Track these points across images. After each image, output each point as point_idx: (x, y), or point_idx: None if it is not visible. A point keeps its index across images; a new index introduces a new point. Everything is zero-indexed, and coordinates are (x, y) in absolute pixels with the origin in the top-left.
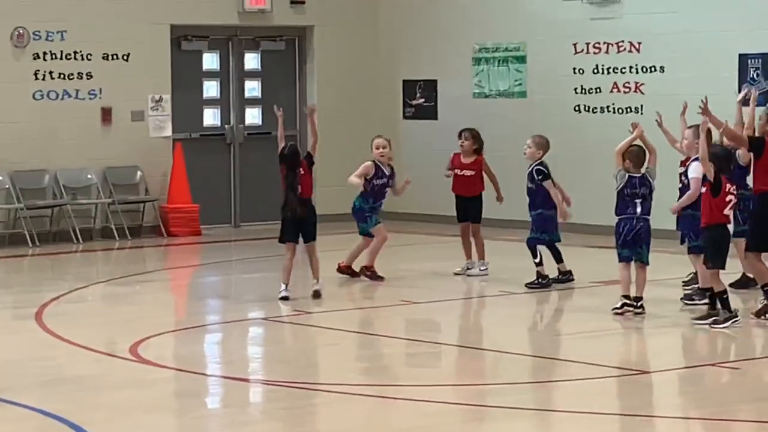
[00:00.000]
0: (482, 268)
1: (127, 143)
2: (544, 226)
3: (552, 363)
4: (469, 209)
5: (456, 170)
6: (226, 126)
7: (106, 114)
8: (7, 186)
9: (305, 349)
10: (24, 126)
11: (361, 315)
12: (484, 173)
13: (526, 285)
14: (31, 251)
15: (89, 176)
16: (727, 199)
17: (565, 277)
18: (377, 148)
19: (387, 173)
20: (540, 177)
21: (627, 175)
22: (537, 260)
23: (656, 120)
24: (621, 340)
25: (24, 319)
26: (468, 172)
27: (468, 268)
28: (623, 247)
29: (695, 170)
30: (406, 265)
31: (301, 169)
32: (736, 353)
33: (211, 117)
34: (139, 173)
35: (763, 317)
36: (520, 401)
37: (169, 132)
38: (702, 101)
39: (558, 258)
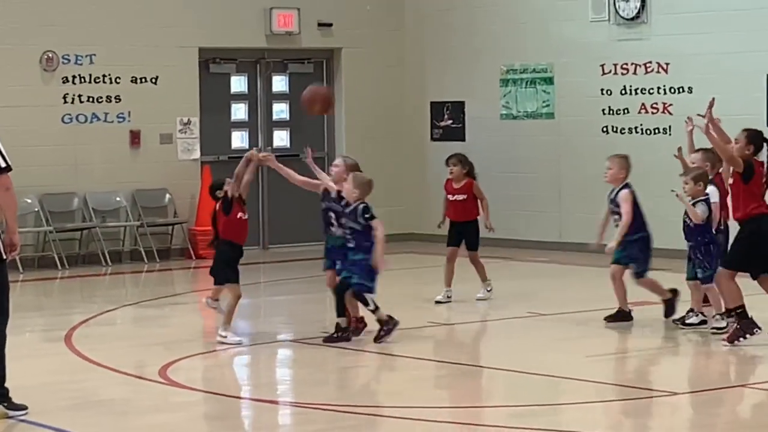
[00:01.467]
0: (488, 290)
1: (156, 166)
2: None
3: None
4: (464, 235)
5: (449, 196)
6: (254, 148)
7: (135, 137)
8: (36, 209)
9: (335, 371)
10: (53, 149)
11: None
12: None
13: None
14: (61, 274)
15: (118, 199)
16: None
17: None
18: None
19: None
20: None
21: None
22: None
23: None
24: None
25: (54, 341)
26: (460, 197)
27: (448, 296)
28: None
29: (714, 195)
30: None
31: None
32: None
33: (239, 139)
34: (167, 196)
35: (736, 342)
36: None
37: (197, 155)
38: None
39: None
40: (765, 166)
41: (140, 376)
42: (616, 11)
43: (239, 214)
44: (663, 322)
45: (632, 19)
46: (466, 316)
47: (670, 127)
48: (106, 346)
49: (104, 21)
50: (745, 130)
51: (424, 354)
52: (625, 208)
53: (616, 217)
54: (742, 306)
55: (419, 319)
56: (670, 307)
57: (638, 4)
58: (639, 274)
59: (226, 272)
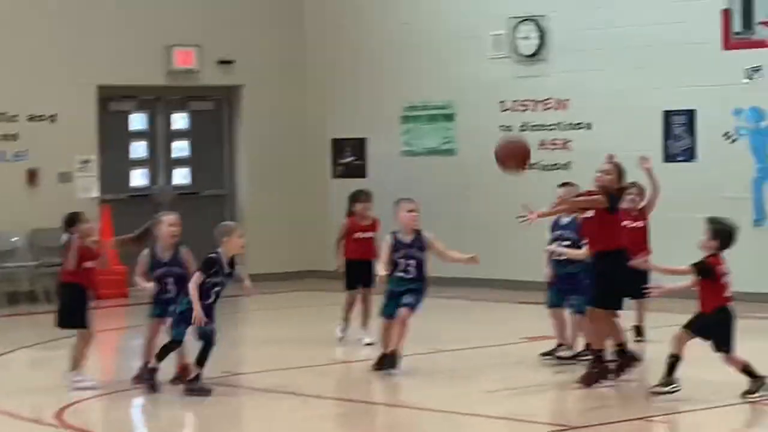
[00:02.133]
0: (368, 341)
1: (54, 205)
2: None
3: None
4: (363, 274)
5: (355, 234)
6: (153, 186)
7: (33, 176)
8: None
9: (231, 412)
10: None
11: (286, 375)
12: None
13: None
14: None
15: (14, 239)
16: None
17: None
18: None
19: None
20: None
21: None
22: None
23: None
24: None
25: None
26: (369, 234)
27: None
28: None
29: None
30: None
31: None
32: None
33: (138, 177)
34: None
35: (596, 384)
36: None
37: (96, 193)
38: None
39: None
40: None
41: (37, 420)
42: (516, 49)
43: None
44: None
45: (531, 56)
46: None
47: (569, 162)
48: (2, 391)
49: (1, 58)
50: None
51: (323, 392)
52: None
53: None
54: (602, 350)
55: (321, 356)
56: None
57: (537, 42)
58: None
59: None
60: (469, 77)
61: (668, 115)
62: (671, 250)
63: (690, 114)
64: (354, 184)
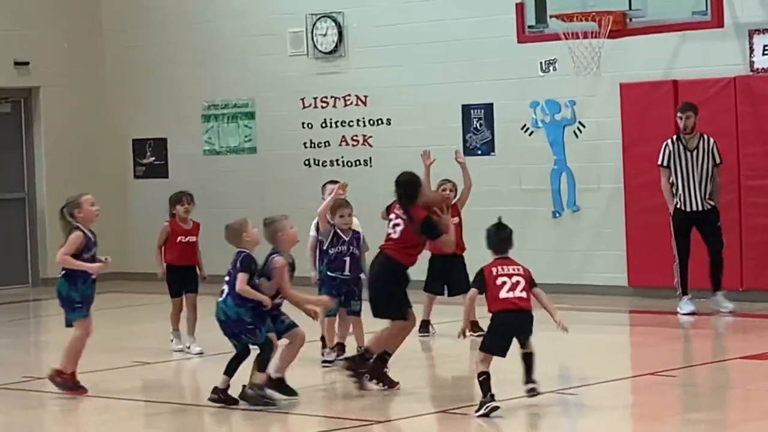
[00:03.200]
0: (198, 351)
1: None
2: None
3: None
4: (188, 277)
5: (177, 238)
6: None
7: None
8: None
9: (33, 417)
10: None
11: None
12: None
13: None
14: None
15: None
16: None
17: None
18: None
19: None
20: None
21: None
22: None
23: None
24: None
25: None
26: (192, 238)
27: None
28: None
29: None
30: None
31: None
32: None
33: None
34: None
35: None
36: None
37: None
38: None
39: None
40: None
41: None
42: (315, 45)
43: None
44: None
45: (330, 52)
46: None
47: (370, 158)
48: None
49: None
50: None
51: (129, 394)
52: None
53: None
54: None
55: (124, 359)
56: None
57: (335, 38)
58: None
59: None
60: (269, 75)
61: (467, 109)
62: (475, 242)
63: (488, 108)
64: (156, 185)
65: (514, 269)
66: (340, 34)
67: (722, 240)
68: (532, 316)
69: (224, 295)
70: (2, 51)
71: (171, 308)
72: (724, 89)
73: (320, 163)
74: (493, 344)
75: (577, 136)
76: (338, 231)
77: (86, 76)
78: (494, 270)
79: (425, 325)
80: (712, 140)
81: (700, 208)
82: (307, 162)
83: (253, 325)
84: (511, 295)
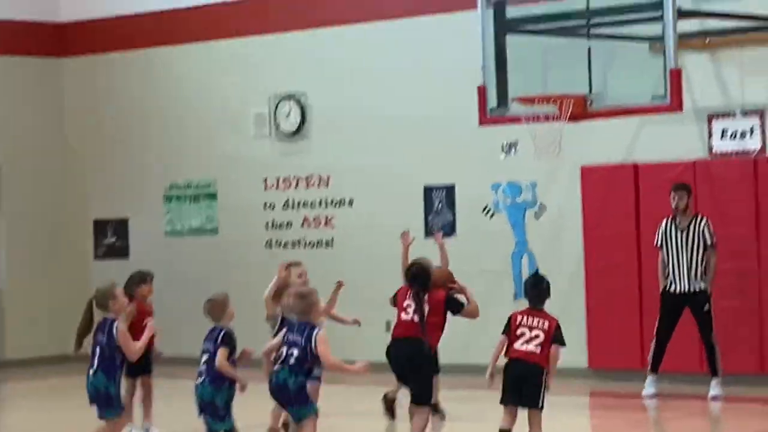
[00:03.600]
0: None
1: None
2: None
3: None
4: (146, 359)
5: (146, 319)
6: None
7: None
8: None
9: None
10: None
11: None
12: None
13: None
14: None
15: None
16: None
17: None
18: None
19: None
20: None
21: None
22: None
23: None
24: None
25: None
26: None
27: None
28: None
29: None
30: None
31: None
32: None
33: None
34: None
35: None
36: None
37: None
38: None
39: None
40: None
41: None
42: (278, 127)
43: None
44: None
45: (293, 133)
46: None
47: (332, 239)
48: None
49: None
50: None
51: None
52: None
53: None
54: None
55: None
56: None
57: (298, 119)
58: None
59: None
60: (232, 155)
61: (429, 190)
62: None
63: (450, 189)
64: (117, 266)
65: (538, 322)
66: (303, 115)
67: (711, 325)
68: (538, 371)
69: (203, 377)
70: None
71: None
72: (684, 173)
73: (282, 245)
74: (502, 393)
75: (538, 219)
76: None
77: (48, 154)
78: (519, 318)
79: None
80: (704, 221)
81: (688, 290)
82: (268, 243)
83: (225, 411)
84: (524, 347)
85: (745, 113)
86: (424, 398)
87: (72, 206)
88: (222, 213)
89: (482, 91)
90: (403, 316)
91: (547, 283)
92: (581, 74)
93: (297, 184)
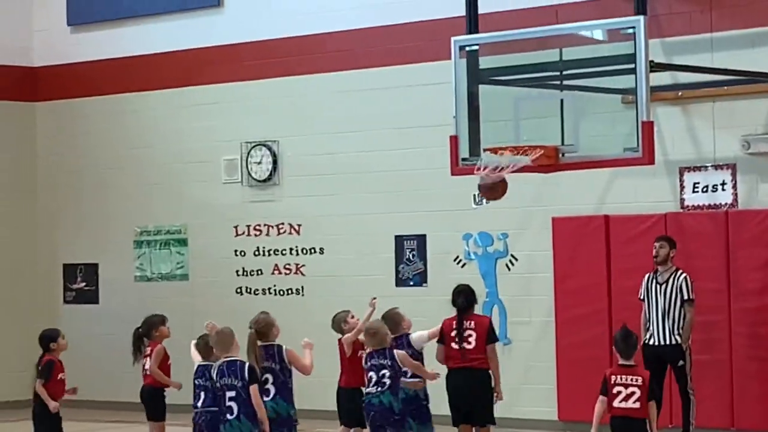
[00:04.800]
0: None
1: None
2: None
3: None
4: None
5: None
6: None
7: None
8: None
9: None
10: None
11: None
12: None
13: None
14: None
15: None
16: None
17: None
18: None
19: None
20: None
21: None
22: None
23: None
24: None
25: None
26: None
27: None
28: None
29: None
30: None
31: None
32: None
33: None
34: None
35: None
36: None
37: None
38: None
39: None
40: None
41: None
42: (249, 173)
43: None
44: None
45: (264, 180)
46: None
47: (303, 287)
48: None
49: None
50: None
51: None
52: None
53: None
54: None
55: None
56: None
57: (270, 167)
58: None
59: None
60: (203, 201)
61: (400, 239)
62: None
63: (421, 239)
64: (86, 310)
65: (632, 379)
66: (275, 162)
67: (686, 379)
68: (641, 425)
69: (234, 414)
70: None
71: None
72: (655, 225)
73: (252, 291)
74: None
75: (509, 269)
76: None
77: (16, 198)
78: (613, 378)
79: None
80: (683, 276)
81: (663, 343)
82: (239, 290)
83: None
84: (623, 405)
85: (717, 166)
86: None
87: (41, 250)
88: (192, 259)
89: (454, 141)
90: (454, 346)
91: (636, 338)
92: (553, 125)
93: (268, 232)
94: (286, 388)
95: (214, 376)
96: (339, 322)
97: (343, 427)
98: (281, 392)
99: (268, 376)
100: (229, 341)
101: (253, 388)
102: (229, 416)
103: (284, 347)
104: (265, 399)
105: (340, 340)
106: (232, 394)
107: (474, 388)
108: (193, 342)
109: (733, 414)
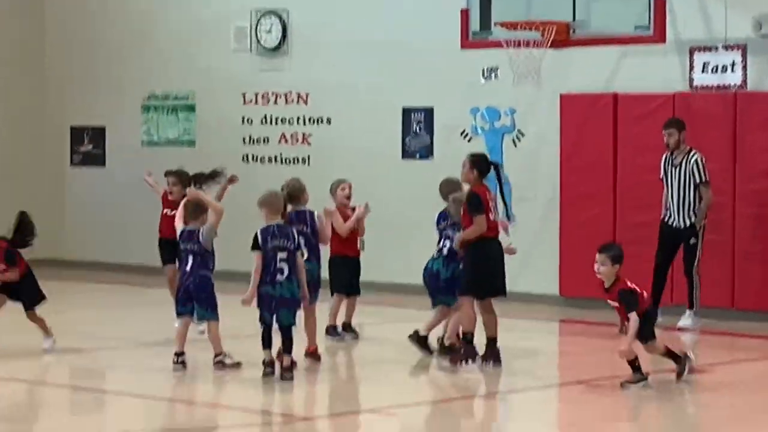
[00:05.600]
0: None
1: None
2: None
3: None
4: (175, 252)
5: (165, 210)
6: None
7: None
8: None
9: None
10: None
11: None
12: None
13: None
14: None
15: None
16: None
17: None
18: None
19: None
20: None
21: None
22: None
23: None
24: None
25: None
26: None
27: None
28: None
29: None
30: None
31: None
32: None
33: None
34: None
35: (459, 364)
36: None
37: None
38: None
39: None
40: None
41: None
42: (258, 41)
43: None
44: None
45: (274, 49)
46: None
47: (309, 157)
48: None
49: None
50: (471, 154)
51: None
52: None
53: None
54: (472, 333)
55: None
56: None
57: (279, 35)
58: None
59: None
60: (212, 69)
61: (407, 112)
62: (409, 247)
63: (428, 112)
64: (92, 173)
65: None
66: (285, 31)
67: (693, 259)
68: None
69: (286, 274)
70: None
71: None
72: (663, 105)
73: (258, 159)
74: None
75: (516, 145)
76: None
77: (26, 61)
78: None
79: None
80: (695, 158)
81: (677, 224)
82: (245, 157)
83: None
84: None
85: (728, 47)
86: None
87: (49, 113)
88: (200, 125)
89: (465, 14)
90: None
91: None
92: (565, 1)
93: (276, 100)
94: (317, 251)
95: (267, 238)
96: (334, 188)
97: (336, 295)
98: (312, 255)
99: (301, 238)
100: (279, 204)
101: (299, 252)
102: (279, 277)
103: (315, 212)
104: None
105: (326, 209)
106: (284, 255)
107: (503, 257)
108: (182, 203)
109: (734, 294)
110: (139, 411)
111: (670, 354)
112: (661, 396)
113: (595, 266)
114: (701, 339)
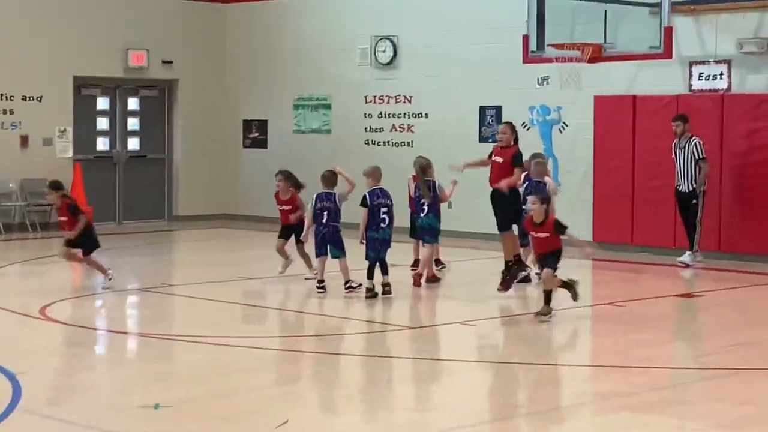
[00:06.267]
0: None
1: (39, 161)
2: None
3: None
4: (285, 233)
5: (278, 206)
6: (113, 150)
7: (24, 140)
8: None
9: (171, 312)
10: None
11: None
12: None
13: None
14: None
15: (11, 185)
16: None
17: None
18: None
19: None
20: None
21: None
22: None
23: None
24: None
25: None
26: (286, 207)
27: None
28: None
29: None
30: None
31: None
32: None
33: (102, 144)
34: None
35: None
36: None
37: (70, 154)
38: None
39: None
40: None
41: (25, 314)
42: (376, 59)
43: None
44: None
45: (387, 64)
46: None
47: (411, 141)
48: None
49: (3, 53)
50: (506, 122)
51: (231, 299)
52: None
53: None
54: (512, 260)
55: (231, 273)
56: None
57: (391, 54)
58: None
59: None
60: (343, 78)
61: (483, 108)
62: (472, 206)
63: (498, 109)
64: (259, 153)
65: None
66: (395, 51)
67: (695, 213)
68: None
69: (386, 223)
70: (154, 53)
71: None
72: (669, 104)
73: (376, 143)
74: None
75: (561, 133)
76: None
77: (212, 72)
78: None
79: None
80: (695, 141)
81: (684, 190)
82: (367, 142)
83: None
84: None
85: (717, 61)
86: None
87: (228, 110)
88: (335, 118)
89: (525, 39)
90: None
91: None
92: (598, 29)
93: (388, 101)
94: (438, 210)
95: (374, 198)
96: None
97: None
98: (433, 212)
99: (425, 201)
100: (380, 174)
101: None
102: (382, 225)
103: (437, 182)
104: (421, 215)
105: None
106: (385, 209)
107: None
108: (321, 174)
109: (720, 240)
110: (294, 322)
111: (564, 285)
112: (668, 312)
113: (528, 205)
114: (697, 272)
